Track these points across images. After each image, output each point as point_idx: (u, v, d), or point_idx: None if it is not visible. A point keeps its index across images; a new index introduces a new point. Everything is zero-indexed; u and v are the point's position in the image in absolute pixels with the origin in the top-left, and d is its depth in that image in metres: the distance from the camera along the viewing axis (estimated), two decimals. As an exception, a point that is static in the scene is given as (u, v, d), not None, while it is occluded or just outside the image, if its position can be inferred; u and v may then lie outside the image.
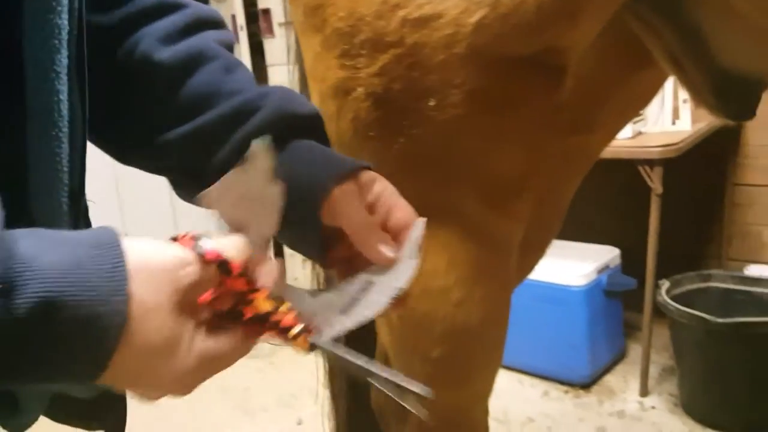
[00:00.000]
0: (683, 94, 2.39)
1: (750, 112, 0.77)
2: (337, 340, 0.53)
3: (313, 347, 0.51)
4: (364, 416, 1.33)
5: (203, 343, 0.47)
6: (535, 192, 0.94)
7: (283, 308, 0.50)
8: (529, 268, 1.22)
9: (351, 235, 0.61)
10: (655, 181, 2.22)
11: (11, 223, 0.51)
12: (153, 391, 0.47)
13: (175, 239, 0.47)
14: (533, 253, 1.16)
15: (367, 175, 0.63)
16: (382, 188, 0.63)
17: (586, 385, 2.48)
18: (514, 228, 0.94)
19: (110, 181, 2.84)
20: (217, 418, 2.46)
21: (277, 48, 3.18)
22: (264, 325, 0.49)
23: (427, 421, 1.12)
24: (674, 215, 2.42)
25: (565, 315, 2.44)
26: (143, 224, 3.01)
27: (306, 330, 0.51)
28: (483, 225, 0.90)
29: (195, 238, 0.47)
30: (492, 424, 2.33)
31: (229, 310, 0.49)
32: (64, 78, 0.52)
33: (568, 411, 2.36)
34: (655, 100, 2.35)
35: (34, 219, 0.53)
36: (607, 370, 2.57)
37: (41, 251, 0.40)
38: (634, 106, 1.05)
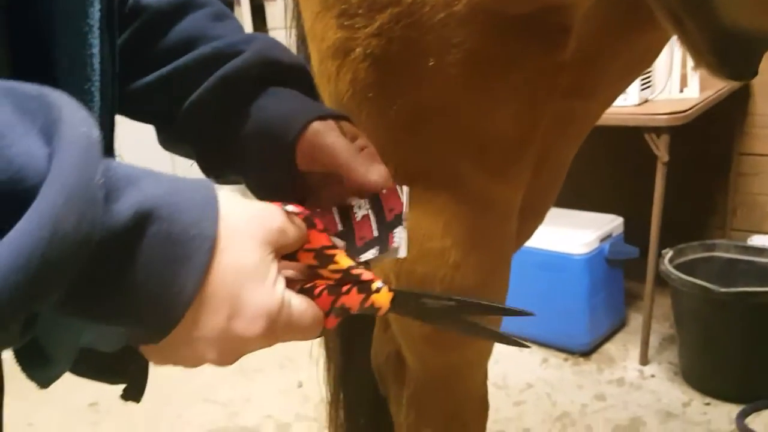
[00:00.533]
0: (692, 62, 2.36)
1: (751, 72, 0.76)
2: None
3: (395, 301, 0.51)
4: (357, 375, 1.34)
5: (288, 292, 0.47)
6: (535, 158, 0.92)
7: (359, 267, 0.51)
8: (528, 233, 1.21)
9: (339, 164, 0.58)
10: (661, 149, 2.20)
11: None
12: (239, 321, 0.45)
13: None
14: (531, 218, 1.15)
15: (351, 126, 0.62)
16: (366, 143, 0.62)
17: (585, 353, 2.49)
18: (512, 194, 0.93)
19: None
20: (214, 377, 2.48)
21: (278, 11, 3.16)
22: (347, 279, 0.50)
23: (426, 383, 1.13)
24: (679, 184, 2.41)
25: (566, 283, 2.44)
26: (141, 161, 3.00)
27: (388, 285, 0.51)
28: (481, 190, 0.89)
29: (281, 203, 0.49)
30: (491, 389, 2.35)
31: (312, 266, 0.50)
32: (97, 32, 0.52)
33: (567, 378, 2.37)
34: (663, 67, 2.34)
35: None
36: (607, 338, 2.57)
37: (142, 174, 0.41)
38: (635, 69, 1.03)
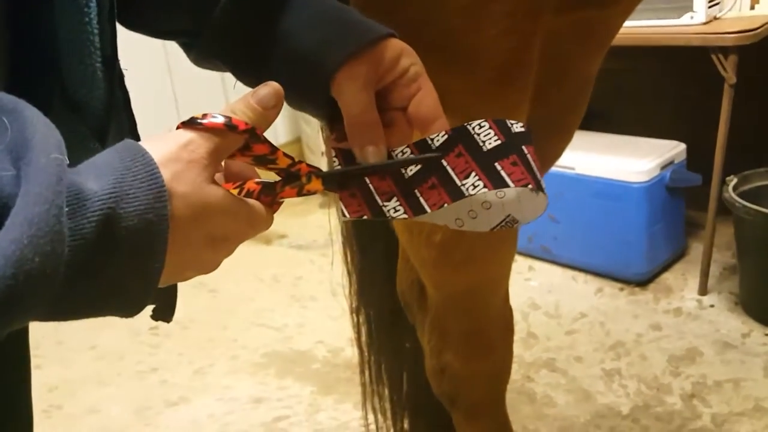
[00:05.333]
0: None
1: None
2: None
3: (325, 180, 0.54)
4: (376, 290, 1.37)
5: (241, 203, 0.50)
6: (532, 81, 0.89)
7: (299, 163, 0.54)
8: (554, 153, 1.17)
9: (345, 125, 0.58)
10: (728, 70, 2.09)
11: (48, 97, 0.52)
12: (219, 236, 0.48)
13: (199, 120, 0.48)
14: (557, 135, 1.12)
15: (392, 49, 0.59)
16: (410, 63, 0.59)
17: (642, 283, 2.43)
18: (510, 117, 0.90)
19: (159, 49, 2.81)
20: (268, 304, 2.57)
21: None
22: (281, 179, 0.53)
23: (444, 307, 1.14)
24: (746, 107, 2.28)
25: (624, 212, 2.38)
26: (193, 90, 3.06)
27: (315, 170, 0.54)
28: (476, 114, 0.86)
29: (224, 118, 0.49)
30: (542, 318, 2.36)
31: (255, 163, 0.53)
32: None
33: (622, 308, 2.33)
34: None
35: (69, 90, 0.53)
36: (665, 268, 2.51)
37: (85, 175, 0.41)
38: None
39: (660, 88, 2.79)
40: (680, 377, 1.98)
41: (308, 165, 0.54)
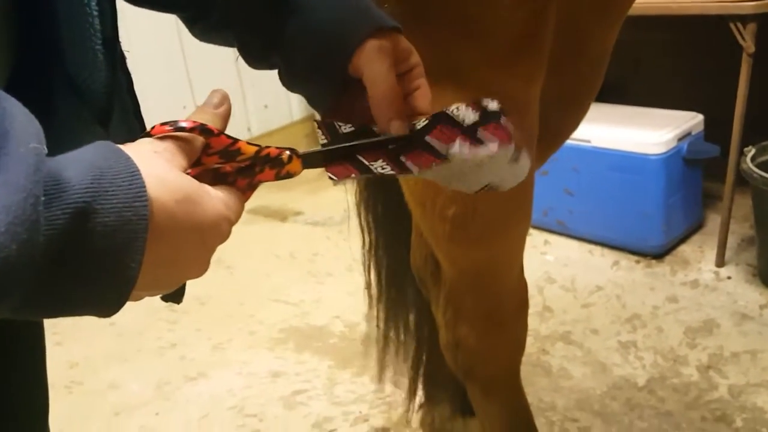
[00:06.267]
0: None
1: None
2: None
3: (305, 160, 0.55)
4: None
5: (215, 191, 0.49)
6: (546, 52, 0.88)
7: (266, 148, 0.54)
8: (571, 125, 1.17)
9: (371, 97, 0.59)
10: (747, 39, 2.06)
11: (51, 81, 0.52)
12: (196, 250, 0.47)
13: (149, 132, 0.49)
14: (573, 108, 1.11)
15: (406, 41, 0.61)
16: (417, 62, 0.61)
17: (658, 255, 2.42)
18: (524, 88, 0.90)
19: (173, 30, 2.80)
20: (285, 280, 2.58)
21: None
22: (257, 161, 0.53)
23: (459, 282, 1.14)
24: (765, 77, 2.25)
25: (641, 185, 2.36)
26: (207, 71, 3.08)
27: (294, 151, 0.54)
28: (489, 85, 0.86)
29: (170, 122, 0.49)
30: (558, 291, 2.36)
31: (224, 160, 0.52)
32: None
33: (639, 280, 2.33)
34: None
35: (70, 73, 0.53)
36: (682, 240, 2.49)
37: (63, 165, 0.40)
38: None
39: (677, 59, 2.76)
40: (697, 349, 1.98)
41: (278, 147, 0.54)
